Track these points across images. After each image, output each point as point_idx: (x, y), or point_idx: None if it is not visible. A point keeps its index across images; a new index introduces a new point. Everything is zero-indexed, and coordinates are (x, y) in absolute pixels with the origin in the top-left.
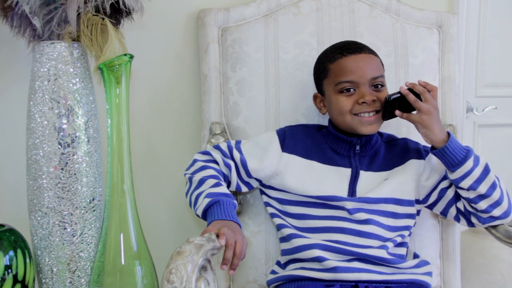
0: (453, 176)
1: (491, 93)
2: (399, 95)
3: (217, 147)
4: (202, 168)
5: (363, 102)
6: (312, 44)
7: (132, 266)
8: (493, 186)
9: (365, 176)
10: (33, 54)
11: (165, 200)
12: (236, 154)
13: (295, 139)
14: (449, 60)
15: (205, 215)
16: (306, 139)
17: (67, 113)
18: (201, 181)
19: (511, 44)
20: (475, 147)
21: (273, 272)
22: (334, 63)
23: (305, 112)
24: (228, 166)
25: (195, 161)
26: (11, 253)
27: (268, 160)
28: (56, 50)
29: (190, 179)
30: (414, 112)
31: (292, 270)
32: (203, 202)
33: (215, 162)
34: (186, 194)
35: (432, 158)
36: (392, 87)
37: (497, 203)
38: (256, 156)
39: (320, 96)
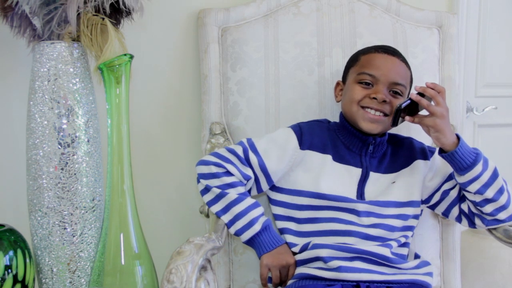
0: (461, 179)
1: (491, 93)
2: (409, 101)
3: (232, 153)
4: (230, 185)
5: (373, 98)
6: (312, 44)
7: (132, 266)
8: (500, 191)
9: (374, 178)
10: (33, 54)
11: (165, 200)
12: (253, 158)
13: (312, 134)
14: (449, 60)
15: (251, 240)
16: (322, 134)
17: (67, 113)
18: (237, 200)
19: (511, 44)
20: (475, 147)
21: None
22: (366, 55)
23: (305, 112)
24: (246, 178)
25: (216, 174)
26: (11, 253)
27: (287, 159)
28: (56, 50)
29: (220, 195)
30: (421, 113)
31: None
32: (248, 231)
33: (232, 174)
34: (211, 204)
35: (436, 159)
36: None
37: (503, 207)
38: (274, 155)
39: (341, 84)
